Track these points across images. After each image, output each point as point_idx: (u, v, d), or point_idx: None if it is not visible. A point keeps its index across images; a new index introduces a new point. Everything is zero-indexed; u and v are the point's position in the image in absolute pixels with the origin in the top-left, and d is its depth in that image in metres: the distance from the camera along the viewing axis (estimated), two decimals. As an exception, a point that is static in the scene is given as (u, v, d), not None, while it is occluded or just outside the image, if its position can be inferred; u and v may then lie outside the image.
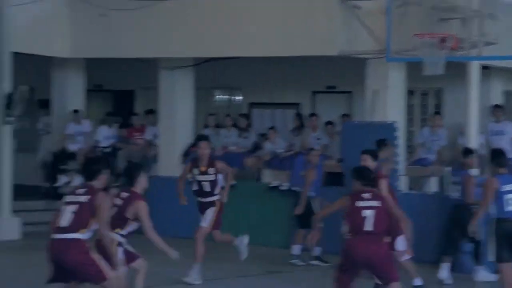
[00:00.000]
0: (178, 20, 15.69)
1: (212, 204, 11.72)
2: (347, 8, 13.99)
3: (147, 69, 17.39)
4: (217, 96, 19.06)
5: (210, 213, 11.71)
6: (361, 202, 8.70)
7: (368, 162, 10.48)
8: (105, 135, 17.36)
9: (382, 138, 12.20)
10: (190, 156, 15.86)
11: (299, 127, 16.26)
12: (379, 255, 8.59)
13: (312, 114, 16.27)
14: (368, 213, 8.60)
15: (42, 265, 8.62)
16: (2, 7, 15.07)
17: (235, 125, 16.79)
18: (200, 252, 11.58)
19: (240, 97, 18.75)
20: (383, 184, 10.34)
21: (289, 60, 16.34)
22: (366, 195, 8.73)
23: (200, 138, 12.53)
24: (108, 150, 17.24)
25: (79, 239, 8.02)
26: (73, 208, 8.09)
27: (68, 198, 8.27)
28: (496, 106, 15.91)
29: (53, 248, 8.07)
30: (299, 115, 16.59)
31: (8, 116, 15.28)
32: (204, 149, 11.79)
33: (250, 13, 15.06)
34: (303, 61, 16.31)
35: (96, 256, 8.07)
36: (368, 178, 8.98)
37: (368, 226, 8.57)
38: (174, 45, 15.81)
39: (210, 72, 16.96)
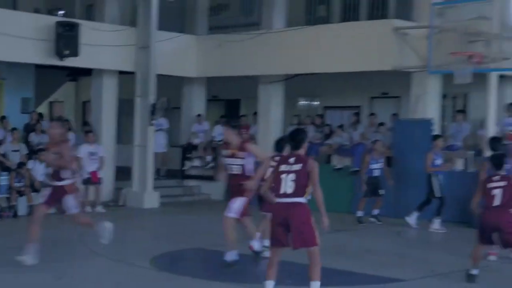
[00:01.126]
0: (272, 47, 15.67)
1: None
2: (398, 35, 13.82)
3: (250, 83, 17.28)
4: (300, 103, 18.94)
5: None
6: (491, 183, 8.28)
7: None
8: (220, 132, 17.44)
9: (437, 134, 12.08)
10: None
11: (356, 123, 16.07)
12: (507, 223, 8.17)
13: (372, 114, 15.98)
14: (497, 191, 8.20)
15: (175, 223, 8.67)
16: (151, 42, 15.23)
17: (312, 123, 16.65)
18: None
19: (318, 102, 18.63)
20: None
21: (354, 74, 16.19)
22: (496, 178, 8.31)
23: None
24: (221, 143, 17.38)
25: (302, 203, 6.91)
26: (292, 176, 6.87)
27: (283, 168, 6.96)
28: (510, 104, 15.45)
29: (281, 210, 6.90)
30: (356, 114, 16.34)
31: (152, 120, 15.48)
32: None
33: (327, 39, 14.99)
34: (364, 74, 16.05)
35: (313, 221, 6.90)
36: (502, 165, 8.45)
37: (497, 201, 8.20)
38: (270, 65, 15.80)
39: (296, 84, 16.81)
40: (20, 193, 13.41)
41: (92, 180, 14.39)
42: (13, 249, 9.01)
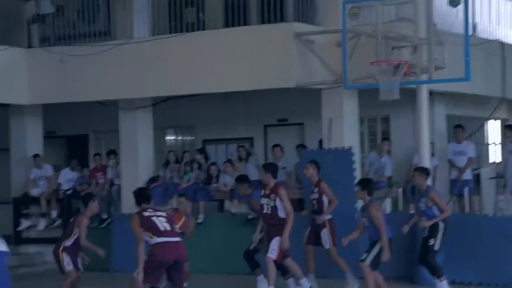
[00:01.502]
0: (135, 62, 16.01)
1: None
2: (301, 42, 14.52)
3: (103, 112, 17.64)
4: (169, 137, 19.53)
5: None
6: None
7: None
8: (67, 178, 17.59)
9: None
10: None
11: (246, 156, 16.67)
12: None
13: (276, 145, 16.33)
14: None
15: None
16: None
17: (192, 161, 17.02)
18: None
19: (193, 137, 19.22)
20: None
21: (243, 96, 16.90)
22: None
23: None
24: (69, 192, 17.48)
25: None
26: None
27: None
28: (458, 126, 16.53)
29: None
30: (242, 146, 16.97)
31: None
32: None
33: (207, 49, 15.44)
34: (256, 96, 16.82)
35: None
36: None
37: None
38: (133, 86, 16.08)
39: (166, 111, 17.27)
40: None
41: None
42: None
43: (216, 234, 15.58)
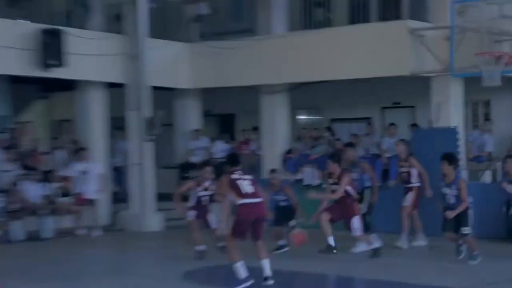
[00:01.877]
0: (274, 54, 16.30)
1: None
2: (414, 37, 14.56)
3: (247, 96, 17.94)
4: (302, 116, 19.74)
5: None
6: None
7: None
8: (220, 149, 18.15)
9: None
10: (287, 162, 16.79)
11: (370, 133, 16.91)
12: None
13: (392, 124, 16.44)
14: None
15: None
16: (141, 51, 15.95)
17: (321, 136, 17.35)
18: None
19: (321, 117, 19.35)
20: None
21: (363, 82, 16.85)
22: None
23: None
24: (221, 160, 18.02)
25: None
26: None
27: None
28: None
29: None
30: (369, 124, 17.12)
31: (149, 135, 16.06)
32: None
33: (335, 43, 15.64)
34: (374, 83, 16.76)
35: None
36: None
37: None
38: (273, 73, 16.38)
39: (298, 95, 17.38)
40: (15, 216, 13.96)
41: (79, 201, 15.01)
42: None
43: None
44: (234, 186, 9.11)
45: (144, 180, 15.98)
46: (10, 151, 15.22)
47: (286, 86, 17.08)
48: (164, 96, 18.10)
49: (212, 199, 12.01)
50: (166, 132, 18.45)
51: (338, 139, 16.70)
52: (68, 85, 17.31)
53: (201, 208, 12.02)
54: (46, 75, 15.09)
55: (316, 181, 16.00)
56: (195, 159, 17.92)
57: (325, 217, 11.57)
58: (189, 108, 18.51)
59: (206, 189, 12.04)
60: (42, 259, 12.14)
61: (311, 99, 18.50)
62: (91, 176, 15.08)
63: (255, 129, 17.95)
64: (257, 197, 9.22)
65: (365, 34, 15.48)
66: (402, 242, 12.80)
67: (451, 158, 11.02)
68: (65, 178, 15.30)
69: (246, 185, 9.15)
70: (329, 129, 17.83)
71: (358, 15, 16.34)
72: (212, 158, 17.82)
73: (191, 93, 18.33)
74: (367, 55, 15.17)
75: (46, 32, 14.76)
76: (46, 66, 14.77)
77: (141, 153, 16.09)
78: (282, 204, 12.63)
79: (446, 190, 10.87)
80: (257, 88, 17.19)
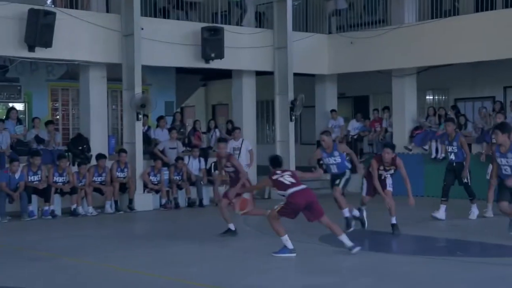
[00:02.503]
0: (404, 42, 16.28)
1: None
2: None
3: (378, 79, 17.87)
4: (429, 96, 19.30)
5: None
6: None
7: None
8: (355, 127, 18.21)
9: None
10: (414, 137, 16.68)
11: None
12: None
13: None
14: None
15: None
16: (288, 42, 16.33)
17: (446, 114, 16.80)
18: None
19: (445, 96, 18.91)
20: None
21: (485, 64, 16.31)
22: None
23: None
24: (355, 137, 18.12)
25: None
26: None
27: None
28: None
29: None
30: (498, 101, 16.39)
31: (292, 116, 16.43)
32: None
33: (461, 30, 15.42)
34: (496, 64, 16.14)
35: None
36: None
37: None
38: (403, 58, 16.34)
39: (425, 77, 17.11)
40: (179, 187, 14.70)
41: None
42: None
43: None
44: (278, 184, 9.13)
45: (287, 155, 16.23)
46: (176, 131, 15.97)
47: (415, 70, 16.87)
48: (306, 81, 18.51)
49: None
50: (307, 113, 18.90)
51: (462, 115, 16.38)
52: (223, 74, 17.98)
53: None
54: (207, 67, 15.72)
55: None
56: (332, 136, 17.91)
57: None
58: (327, 91, 18.60)
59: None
60: (201, 222, 12.61)
61: (437, 81, 18.09)
62: (243, 152, 15.39)
63: (386, 108, 17.85)
64: (300, 185, 9.11)
65: (490, 20, 15.07)
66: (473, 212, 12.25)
67: (504, 128, 9.74)
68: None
69: (287, 178, 9.13)
70: (454, 107, 17.35)
71: (483, 4, 15.88)
72: (347, 135, 18.08)
73: (329, 78, 18.41)
74: (491, 39, 14.79)
75: (207, 30, 15.35)
76: (208, 58, 15.40)
77: (285, 131, 16.42)
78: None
79: (502, 161, 9.62)
80: (389, 72, 17.06)
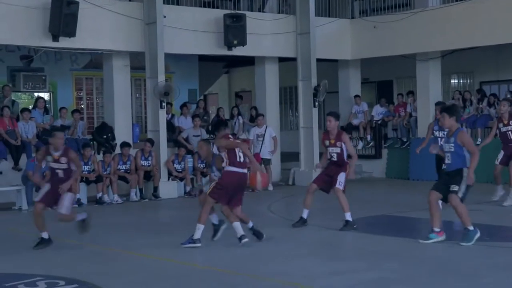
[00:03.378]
0: (428, 25, 16.11)
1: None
2: None
3: (402, 64, 17.85)
4: (452, 80, 19.17)
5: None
6: None
7: None
8: (379, 112, 18.10)
9: None
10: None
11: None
12: None
13: None
14: None
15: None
16: (310, 28, 16.38)
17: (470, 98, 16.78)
18: None
19: (470, 80, 18.76)
20: None
21: (509, 47, 16.23)
22: None
23: None
24: (379, 122, 17.99)
25: None
26: None
27: None
28: None
29: None
30: None
31: (316, 101, 16.32)
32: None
33: (484, 13, 15.26)
34: None
35: None
36: None
37: None
38: (427, 42, 16.17)
39: (450, 61, 17.00)
40: (203, 174, 14.77)
41: (256, 160, 15.31)
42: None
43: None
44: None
45: (310, 141, 16.24)
46: (199, 119, 15.99)
47: (439, 53, 16.72)
48: (330, 66, 18.43)
49: None
50: (331, 99, 18.83)
51: (484, 99, 16.17)
52: (246, 61, 17.98)
53: None
54: (230, 53, 15.68)
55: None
56: (356, 121, 17.95)
57: None
58: (350, 76, 18.49)
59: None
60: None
61: (462, 64, 17.93)
62: (266, 139, 15.40)
63: (411, 93, 17.68)
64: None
65: (507, 5, 14.83)
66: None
67: (451, 110, 8.62)
68: (244, 141, 15.70)
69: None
70: (479, 91, 17.11)
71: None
72: (372, 120, 17.95)
73: (352, 64, 18.29)
74: (509, 22, 14.61)
75: (230, 16, 15.29)
76: (230, 45, 15.34)
77: (308, 117, 16.36)
78: None
79: (445, 146, 8.66)
80: (413, 56, 16.91)
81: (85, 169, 13.51)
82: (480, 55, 17.26)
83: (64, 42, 13.74)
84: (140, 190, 14.13)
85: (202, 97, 19.65)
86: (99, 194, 13.50)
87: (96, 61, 16.93)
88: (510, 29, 14.82)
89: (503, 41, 15.25)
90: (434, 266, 7.56)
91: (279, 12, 17.10)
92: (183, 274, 7.57)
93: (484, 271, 7.28)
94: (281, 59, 17.03)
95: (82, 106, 17.81)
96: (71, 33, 13.56)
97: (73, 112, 15.14)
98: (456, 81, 19.26)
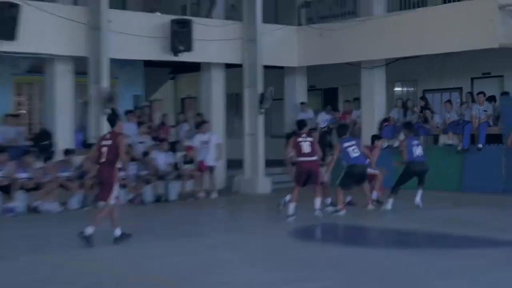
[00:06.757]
0: (373, 33, 16.23)
1: None
2: (504, 12, 14.08)
3: (347, 71, 17.84)
4: (396, 88, 19.33)
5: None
6: None
7: None
8: (324, 119, 18.09)
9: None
10: (383, 129, 16.64)
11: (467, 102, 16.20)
12: None
13: (480, 92, 15.75)
14: None
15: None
16: (257, 35, 16.26)
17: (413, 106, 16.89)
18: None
19: (413, 88, 18.94)
20: None
21: (452, 55, 16.42)
22: None
23: None
24: (325, 129, 17.92)
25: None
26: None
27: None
28: None
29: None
30: (469, 93, 16.40)
31: (261, 109, 16.24)
32: None
33: (429, 22, 15.43)
34: (463, 55, 16.25)
35: None
36: None
37: None
38: (372, 50, 16.30)
39: (394, 69, 17.04)
40: (147, 181, 14.49)
41: (200, 168, 15.10)
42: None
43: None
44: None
45: (256, 148, 16.15)
46: (144, 125, 15.67)
47: (384, 61, 16.83)
48: (276, 74, 18.31)
49: None
50: (276, 106, 18.67)
51: (427, 109, 16.34)
52: (192, 67, 17.73)
53: None
54: (176, 59, 15.48)
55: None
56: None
57: None
58: (297, 83, 18.44)
59: None
60: (168, 219, 12.43)
61: (406, 72, 18.08)
62: (211, 146, 15.14)
63: (357, 100, 17.73)
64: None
65: (457, 12, 15.09)
66: None
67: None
68: (189, 148, 15.43)
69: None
70: (422, 98, 17.24)
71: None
72: (316, 128, 17.85)
73: (299, 71, 18.27)
74: (458, 30, 14.85)
75: (176, 22, 15.09)
76: (176, 51, 15.12)
77: (254, 125, 16.24)
78: None
79: None
80: (358, 64, 16.98)
81: (24, 177, 13.06)
82: (424, 63, 17.43)
83: (4, 46, 13.32)
84: (82, 197, 13.71)
85: (147, 103, 19.32)
86: (38, 202, 13.02)
87: (38, 65, 16.47)
88: (453, 38, 14.99)
89: (446, 50, 15.47)
90: (376, 275, 7.52)
91: (226, 19, 16.98)
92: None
93: (427, 278, 7.26)
94: (229, 65, 16.91)
95: (22, 111, 17.28)
96: (12, 37, 13.14)
97: (8, 116, 14.58)
98: (400, 88, 19.42)
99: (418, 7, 16.37)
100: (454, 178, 15.38)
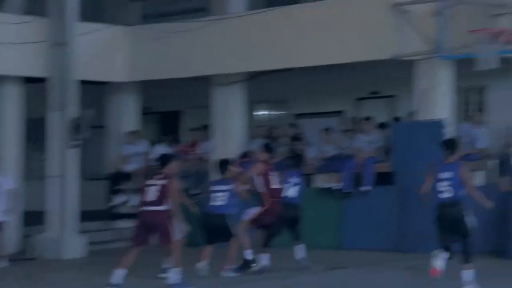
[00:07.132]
0: (230, 38, 16.15)
1: None
2: (397, 12, 14.07)
3: (195, 89, 17.79)
4: (261, 112, 19.53)
5: None
6: None
7: None
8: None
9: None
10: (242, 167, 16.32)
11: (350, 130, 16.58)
12: None
13: (367, 118, 16.09)
14: None
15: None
16: (68, 37, 15.77)
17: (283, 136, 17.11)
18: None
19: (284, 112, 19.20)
20: None
21: (333, 70, 16.60)
22: None
23: None
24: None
25: None
26: None
27: None
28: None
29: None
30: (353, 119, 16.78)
31: (75, 140, 15.57)
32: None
33: (302, 24, 15.45)
34: (347, 70, 16.51)
35: None
36: None
37: None
38: (227, 62, 16.17)
39: (257, 87, 17.04)
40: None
41: None
42: None
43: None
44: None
45: (65, 195, 15.60)
46: None
47: (243, 76, 16.76)
48: (95, 92, 17.90)
49: None
50: (95, 136, 17.80)
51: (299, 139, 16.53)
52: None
53: None
54: None
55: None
56: (130, 167, 17.49)
57: None
58: (125, 105, 18.28)
59: None
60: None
61: (272, 91, 18.20)
62: (1, 193, 14.43)
63: (205, 128, 17.59)
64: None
65: (339, 10, 15.16)
66: None
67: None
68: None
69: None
70: (293, 125, 17.48)
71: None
72: (150, 166, 17.06)
73: (128, 88, 18.09)
74: (341, 36, 15.05)
75: None
76: None
77: (63, 162, 15.67)
78: None
79: None
80: (208, 79, 16.87)
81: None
82: (297, 79, 17.53)
83: None
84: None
85: None
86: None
87: None
88: (336, 46, 15.05)
89: (325, 62, 15.52)
90: None
91: (25, 13, 16.31)
92: None
93: None
94: (30, 80, 16.38)
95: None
96: None
97: None
98: (266, 112, 19.57)
99: (289, 4, 16.37)
100: (331, 232, 15.37)
